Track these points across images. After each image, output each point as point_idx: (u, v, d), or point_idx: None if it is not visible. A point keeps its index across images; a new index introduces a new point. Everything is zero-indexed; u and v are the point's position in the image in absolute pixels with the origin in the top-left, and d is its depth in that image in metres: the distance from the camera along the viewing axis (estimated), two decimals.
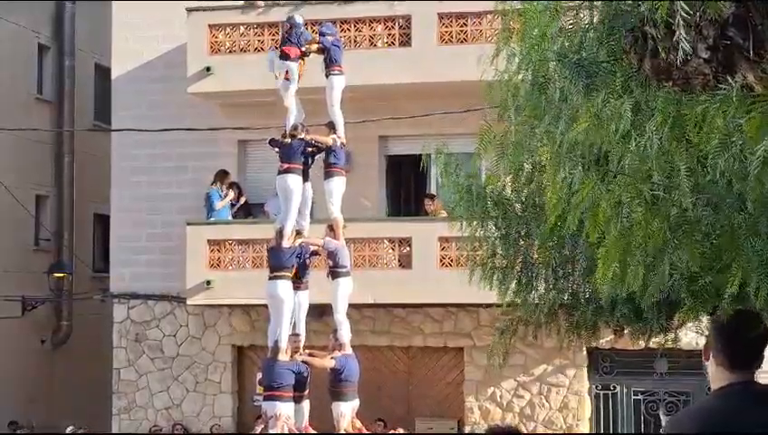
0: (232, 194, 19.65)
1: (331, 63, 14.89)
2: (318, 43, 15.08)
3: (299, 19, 15.37)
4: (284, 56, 14.98)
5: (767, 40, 3.10)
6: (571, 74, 4.37)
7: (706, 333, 4.85)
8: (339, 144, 14.57)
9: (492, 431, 6.30)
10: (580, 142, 4.41)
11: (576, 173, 4.54)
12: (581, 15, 4.64)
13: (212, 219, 19.31)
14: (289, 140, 14.49)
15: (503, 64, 5.85)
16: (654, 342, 9.62)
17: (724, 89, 3.22)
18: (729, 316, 3.90)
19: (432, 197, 18.61)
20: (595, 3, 4.34)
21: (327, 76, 14.86)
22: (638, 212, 4.42)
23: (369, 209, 19.24)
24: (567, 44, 4.73)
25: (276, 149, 14.67)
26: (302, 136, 14.46)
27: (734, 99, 3.24)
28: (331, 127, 14.68)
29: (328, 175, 14.57)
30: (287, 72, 14.87)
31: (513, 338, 9.97)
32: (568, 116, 4.41)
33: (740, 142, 3.49)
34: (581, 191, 4.41)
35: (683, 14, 3.06)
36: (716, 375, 3.81)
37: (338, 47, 15.11)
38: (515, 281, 8.87)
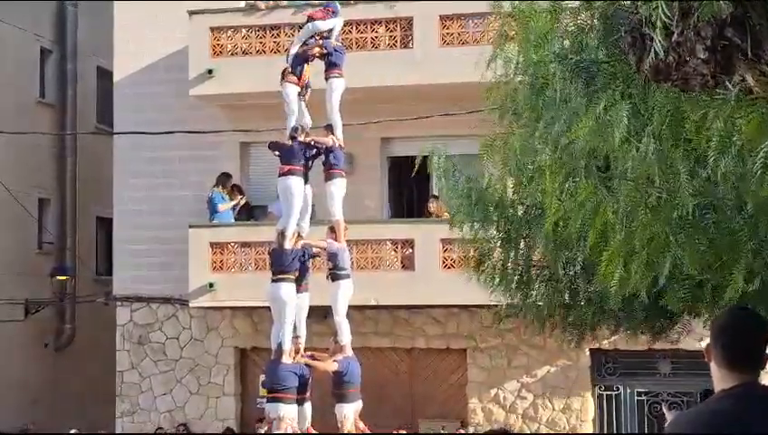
0: (243, 201, 19.68)
1: (331, 67, 14.92)
2: (321, 47, 15.12)
3: (337, 5, 15.50)
4: (311, 19, 15.16)
5: (765, 40, 3.10)
6: (570, 75, 4.37)
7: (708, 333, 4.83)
8: (338, 146, 14.61)
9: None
10: (580, 148, 4.40)
11: (578, 178, 4.53)
12: (581, 17, 4.64)
13: (214, 222, 19.32)
14: (290, 142, 14.52)
15: (501, 67, 5.85)
16: (651, 341, 9.62)
17: (723, 90, 3.22)
18: (730, 315, 3.86)
19: (436, 198, 18.60)
20: (594, 3, 4.34)
21: (327, 79, 14.89)
22: (642, 217, 4.41)
23: (371, 211, 19.24)
24: (567, 45, 4.73)
25: (276, 153, 14.70)
26: (302, 138, 14.49)
27: (733, 101, 3.24)
28: (330, 129, 14.71)
29: (328, 177, 14.59)
30: (293, 72, 14.93)
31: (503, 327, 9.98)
32: (567, 117, 4.41)
33: (739, 143, 3.48)
34: (581, 193, 4.40)
35: (663, 17, 3.05)
36: (718, 377, 3.74)
37: (340, 52, 15.15)
38: (516, 282, 8.88)
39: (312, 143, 14.55)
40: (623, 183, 4.38)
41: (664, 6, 3.08)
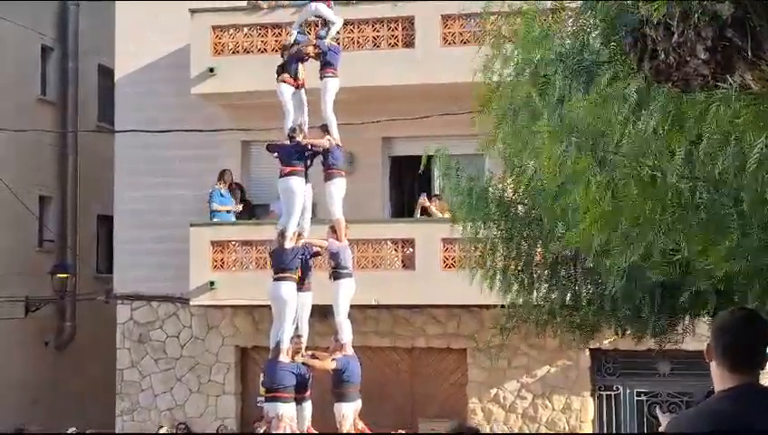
0: (239, 209, 19.61)
1: (325, 66, 14.96)
2: (315, 46, 15.15)
3: (332, 5, 15.63)
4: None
5: (766, 41, 3.10)
6: (571, 75, 4.38)
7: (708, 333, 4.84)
8: (334, 145, 14.63)
9: (455, 430, 6.38)
10: (579, 120, 4.40)
11: (571, 151, 4.53)
12: (583, 17, 4.64)
13: (215, 220, 19.31)
14: (288, 142, 14.56)
15: (500, 68, 5.84)
16: (654, 342, 9.62)
17: (724, 88, 3.22)
18: (731, 316, 3.87)
19: (438, 197, 18.59)
20: (596, 4, 4.34)
21: (321, 78, 14.92)
22: (632, 191, 4.42)
23: (372, 210, 19.23)
24: (567, 45, 4.74)
25: (275, 154, 14.73)
26: (299, 139, 14.51)
27: (733, 98, 3.24)
28: (325, 129, 14.73)
29: (328, 177, 14.62)
30: (287, 72, 15.00)
31: (508, 337, 9.98)
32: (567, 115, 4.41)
33: (734, 141, 3.49)
34: (574, 166, 4.40)
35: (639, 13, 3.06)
36: (719, 377, 3.75)
37: (334, 51, 15.18)
38: (517, 282, 8.88)
39: (309, 146, 14.58)
40: (617, 159, 4.38)
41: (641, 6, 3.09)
